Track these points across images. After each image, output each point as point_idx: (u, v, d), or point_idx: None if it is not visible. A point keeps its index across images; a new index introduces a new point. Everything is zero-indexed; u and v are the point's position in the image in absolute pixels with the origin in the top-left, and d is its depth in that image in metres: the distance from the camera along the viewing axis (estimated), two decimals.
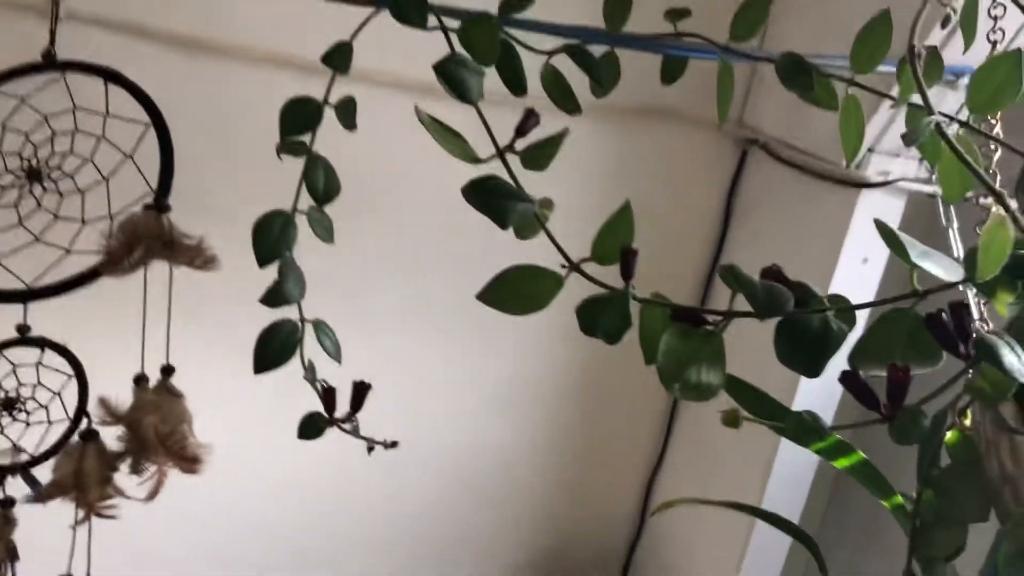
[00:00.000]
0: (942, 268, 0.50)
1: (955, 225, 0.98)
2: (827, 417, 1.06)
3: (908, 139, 0.57)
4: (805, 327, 0.51)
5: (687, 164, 1.27)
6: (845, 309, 0.53)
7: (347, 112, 0.73)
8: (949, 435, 0.78)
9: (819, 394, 1.15)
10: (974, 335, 0.48)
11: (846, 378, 0.49)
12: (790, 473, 1.21)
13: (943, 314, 0.49)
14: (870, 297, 1.14)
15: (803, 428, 0.53)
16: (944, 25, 0.61)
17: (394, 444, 0.58)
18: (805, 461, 1.22)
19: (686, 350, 0.54)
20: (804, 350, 0.51)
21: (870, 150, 1.07)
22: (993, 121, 0.78)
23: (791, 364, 0.53)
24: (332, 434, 0.67)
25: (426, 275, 1.20)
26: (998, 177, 0.80)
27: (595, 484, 1.49)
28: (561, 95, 0.77)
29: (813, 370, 0.52)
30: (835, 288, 1.16)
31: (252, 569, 1.32)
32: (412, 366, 1.28)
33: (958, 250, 0.94)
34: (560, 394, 1.37)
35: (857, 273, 1.13)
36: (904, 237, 0.51)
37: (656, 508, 1.42)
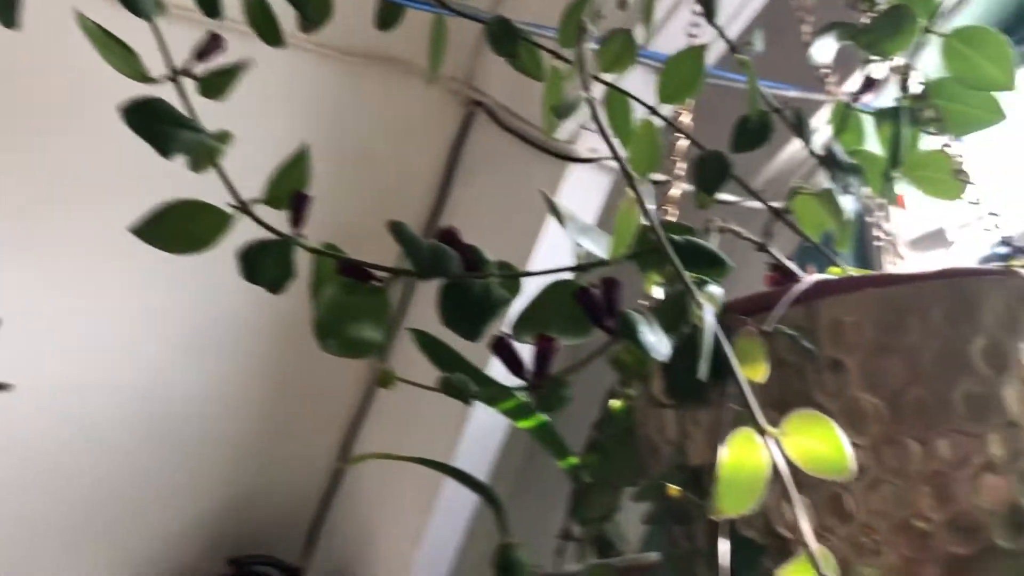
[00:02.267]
0: (598, 245, 0.51)
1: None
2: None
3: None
4: (467, 291, 0.51)
5: (411, 118, 1.26)
6: (509, 276, 0.54)
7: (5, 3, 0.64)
8: (616, 403, 0.84)
9: None
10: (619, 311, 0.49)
11: (496, 344, 0.50)
12: (481, 430, 1.24)
13: (593, 288, 0.50)
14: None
15: (452, 388, 0.53)
16: (622, 7, 0.63)
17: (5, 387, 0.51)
18: (497, 420, 1.26)
19: (349, 304, 0.53)
20: (465, 314, 0.51)
21: (583, 127, 1.10)
22: (683, 108, 0.83)
23: (452, 326, 0.53)
24: None
25: (117, 199, 1.10)
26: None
27: (294, 433, 1.46)
28: (264, 24, 0.72)
29: (472, 334, 0.52)
30: (537, 257, 1.20)
31: None
32: (94, 299, 1.17)
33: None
34: (256, 338, 1.32)
35: (561, 243, 1.17)
36: (567, 211, 0.52)
37: (347, 460, 1.42)
